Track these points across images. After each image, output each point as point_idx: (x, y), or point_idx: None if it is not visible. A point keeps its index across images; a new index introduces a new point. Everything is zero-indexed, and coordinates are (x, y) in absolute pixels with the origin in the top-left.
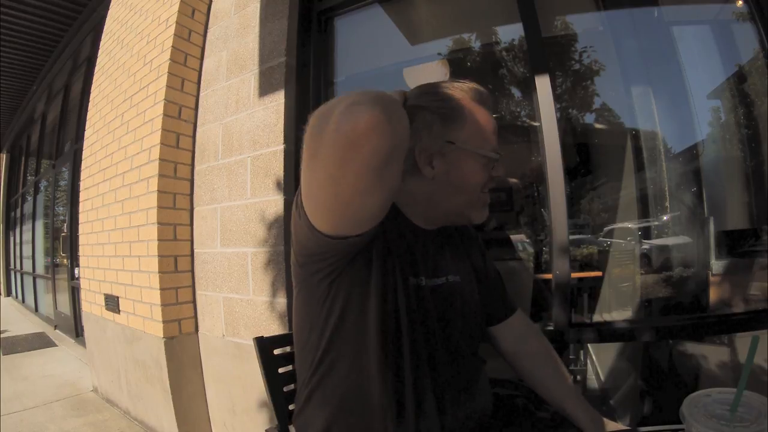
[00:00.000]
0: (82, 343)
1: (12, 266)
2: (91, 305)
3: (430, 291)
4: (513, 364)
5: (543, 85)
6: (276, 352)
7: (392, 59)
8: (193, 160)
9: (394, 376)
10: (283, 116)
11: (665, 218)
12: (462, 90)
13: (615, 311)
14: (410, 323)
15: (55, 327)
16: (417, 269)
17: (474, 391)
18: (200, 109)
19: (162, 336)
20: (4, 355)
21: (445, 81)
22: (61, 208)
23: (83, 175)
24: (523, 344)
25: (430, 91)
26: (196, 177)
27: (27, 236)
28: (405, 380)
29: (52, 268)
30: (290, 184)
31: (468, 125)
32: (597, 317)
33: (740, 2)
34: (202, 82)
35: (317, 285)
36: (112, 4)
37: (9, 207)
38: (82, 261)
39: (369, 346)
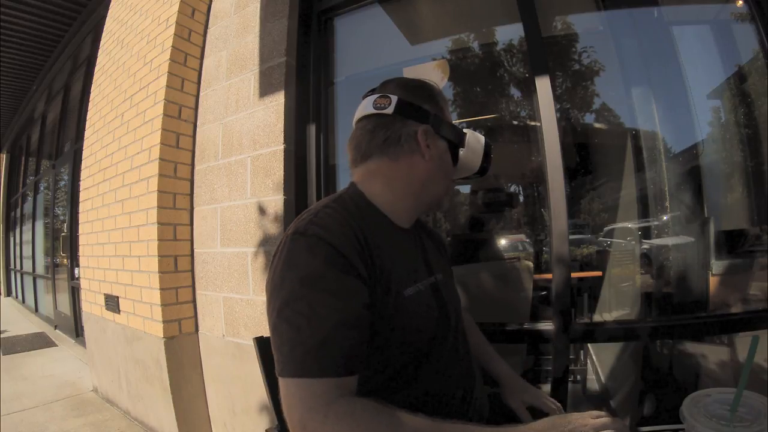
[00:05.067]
0: (82, 343)
1: (12, 266)
2: (91, 305)
3: (431, 289)
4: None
5: (543, 85)
6: None
7: (392, 59)
8: (193, 160)
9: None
10: (283, 116)
11: (665, 218)
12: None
13: (615, 311)
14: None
15: (55, 327)
16: (422, 270)
17: (473, 389)
18: (200, 109)
19: (162, 336)
20: (4, 355)
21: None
22: (61, 208)
23: (83, 175)
24: (471, 337)
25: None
26: (196, 177)
27: (27, 236)
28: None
29: (52, 268)
30: (290, 183)
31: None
32: (597, 317)
33: (740, 2)
34: (202, 81)
35: None
36: (112, 4)
37: (9, 207)
38: (82, 261)
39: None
